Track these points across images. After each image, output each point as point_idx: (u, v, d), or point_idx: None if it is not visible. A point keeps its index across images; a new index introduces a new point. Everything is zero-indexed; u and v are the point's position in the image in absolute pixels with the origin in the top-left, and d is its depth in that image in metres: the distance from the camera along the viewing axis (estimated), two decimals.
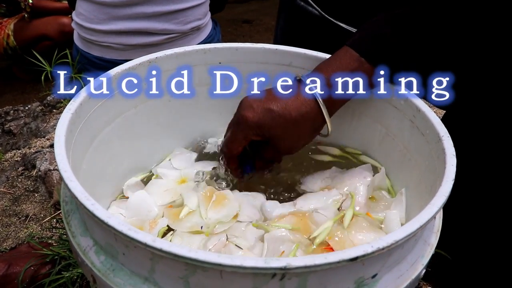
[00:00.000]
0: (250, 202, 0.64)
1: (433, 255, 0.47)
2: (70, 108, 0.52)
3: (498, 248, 0.76)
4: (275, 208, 0.63)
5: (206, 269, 0.35)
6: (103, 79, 0.59)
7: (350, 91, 0.58)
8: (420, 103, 0.58)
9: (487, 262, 0.79)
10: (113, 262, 0.42)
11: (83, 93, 0.55)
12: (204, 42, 1.51)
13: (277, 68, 0.70)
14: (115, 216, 0.37)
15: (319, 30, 1.03)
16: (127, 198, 0.66)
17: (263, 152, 0.64)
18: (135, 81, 0.64)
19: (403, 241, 0.37)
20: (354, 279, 0.39)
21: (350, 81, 0.58)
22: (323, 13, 1.00)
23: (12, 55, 2.17)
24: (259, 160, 0.65)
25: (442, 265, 0.81)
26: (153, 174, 0.72)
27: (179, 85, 0.69)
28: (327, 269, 0.35)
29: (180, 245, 0.34)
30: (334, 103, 0.59)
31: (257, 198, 0.66)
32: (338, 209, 0.62)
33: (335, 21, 0.99)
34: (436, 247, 0.48)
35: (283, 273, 0.34)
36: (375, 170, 0.68)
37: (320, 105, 0.58)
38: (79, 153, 0.53)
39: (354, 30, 0.97)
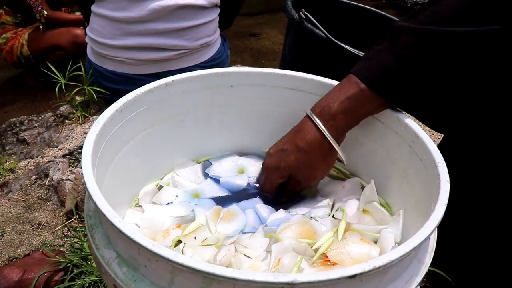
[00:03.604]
0: (251, 212, 0.69)
1: (431, 272, 0.51)
2: (95, 129, 0.56)
3: (492, 266, 0.79)
4: (268, 213, 0.69)
5: (221, 282, 0.40)
6: (124, 101, 0.63)
7: (351, 115, 0.63)
8: (419, 130, 0.61)
9: (482, 279, 0.82)
10: (135, 273, 0.47)
11: (106, 114, 0.60)
12: (213, 58, 1.56)
13: (285, 92, 0.75)
14: (139, 232, 0.41)
15: (325, 52, 1.07)
16: (141, 206, 0.71)
17: (287, 186, 0.70)
18: (153, 102, 0.68)
19: (398, 261, 0.41)
20: None
21: (350, 105, 0.62)
22: (330, 36, 1.05)
23: (25, 64, 2.23)
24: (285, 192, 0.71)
25: (440, 282, 0.84)
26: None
27: (193, 106, 0.74)
28: (329, 284, 0.39)
29: (199, 260, 0.39)
30: (336, 127, 0.63)
31: (252, 203, 0.71)
32: (333, 216, 0.68)
33: (341, 44, 1.04)
34: (435, 266, 0.52)
35: (290, 287, 0.38)
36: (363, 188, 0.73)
37: (321, 130, 0.62)
38: (102, 170, 0.58)
39: (358, 52, 1.01)
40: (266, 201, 0.72)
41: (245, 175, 0.77)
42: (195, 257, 0.61)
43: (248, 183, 0.76)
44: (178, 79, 0.70)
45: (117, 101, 0.63)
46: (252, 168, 0.78)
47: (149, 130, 0.70)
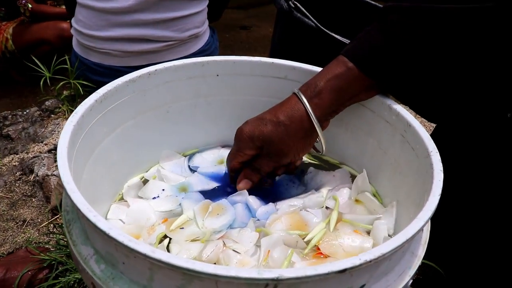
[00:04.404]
0: (240, 207, 0.67)
1: (423, 264, 0.49)
2: (72, 120, 0.54)
3: (487, 258, 0.78)
4: (257, 206, 0.66)
5: (203, 279, 0.37)
6: (104, 91, 0.60)
7: (336, 94, 0.60)
8: (411, 118, 0.59)
9: (476, 271, 0.80)
10: (113, 270, 0.44)
11: (84, 104, 0.57)
12: (202, 49, 1.53)
13: (273, 81, 0.72)
14: (116, 227, 0.39)
15: (315, 41, 1.05)
16: (126, 201, 0.68)
17: (256, 163, 0.66)
18: (135, 92, 0.65)
19: (390, 254, 0.39)
20: None
21: (336, 84, 0.60)
22: (319, 25, 1.03)
23: (10, 59, 2.18)
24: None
25: (432, 273, 0.83)
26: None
27: (177, 97, 0.71)
28: (317, 280, 0.37)
29: (178, 256, 0.36)
30: (321, 106, 0.61)
31: (242, 196, 0.68)
32: (327, 208, 0.65)
33: (331, 33, 1.02)
34: (427, 257, 0.50)
35: (275, 283, 0.36)
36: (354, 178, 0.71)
37: (305, 105, 0.60)
38: (80, 163, 0.55)
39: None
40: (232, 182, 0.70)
41: (223, 165, 0.75)
42: (182, 253, 0.59)
43: (226, 173, 0.73)
44: (161, 68, 0.67)
45: (96, 91, 0.60)
46: None
47: (131, 122, 0.67)
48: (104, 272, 0.44)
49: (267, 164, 0.66)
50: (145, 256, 0.37)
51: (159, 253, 0.36)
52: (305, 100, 0.60)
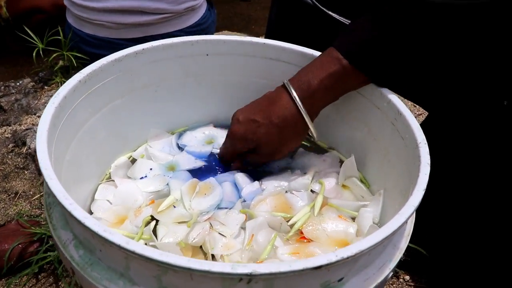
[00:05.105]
0: (228, 185, 0.67)
1: (410, 247, 0.49)
2: (54, 102, 0.52)
3: (473, 241, 0.78)
4: (245, 184, 0.67)
5: (177, 271, 0.37)
6: (88, 71, 0.59)
7: (330, 93, 0.60)
8: (402, 107, 0.58)
9: (463, 253, 0.81)
10: (91, 257, 0.44)
11: (67, 85, 0.56)
12: (198, 23, 1.50)
13: (264, 62, 0.71)
14: (91, 217, 0.38)
15: (311, 19, 1.02)
16: (114, 180, 0.68)
17: (246, 157, 0.67)
18: (122, 72, 0.64)
19: (369, 250, 0.39)
20: (320, 283, 0.40)
21: (330, 83, 0.59)
22: (316, 3, 1.00)
23: (5, 27, 2.14)
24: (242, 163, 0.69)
25: (420, 255, 0.83)
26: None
27: (166, 76, 0.70)
28: (291, 276, 0.37)
29: (152, 249, 0.36)
30: (314, 105, 0.60)
31: (231, 176, 0.68)
32: (312, 191, 0.66)
33: (327, 11, 0.99)
34: (413, 241, 0.50)
35: (249, 278, 0.36)
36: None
37: (299, 107, 0.59)
38: (63, 145, 0.54)
39: (345, 20, 0.96)
40: (227, 169, 0.70)
41: (211, 146, 0.75)
42: (168, 235, 0.59)
43: (212, 153, 0.74)
44: (148, 47, 0.65)
45: (80, 71, 0.59)
46: (222, 140, 0.75)
47: (118, 101, 0.66)
48: (83, 258, 0.44)
49: (259, 160, 0.67)
50: (119, 247, 0.36)
51: (133, 245, 0.36)
52: (298, 101, 0.59)
